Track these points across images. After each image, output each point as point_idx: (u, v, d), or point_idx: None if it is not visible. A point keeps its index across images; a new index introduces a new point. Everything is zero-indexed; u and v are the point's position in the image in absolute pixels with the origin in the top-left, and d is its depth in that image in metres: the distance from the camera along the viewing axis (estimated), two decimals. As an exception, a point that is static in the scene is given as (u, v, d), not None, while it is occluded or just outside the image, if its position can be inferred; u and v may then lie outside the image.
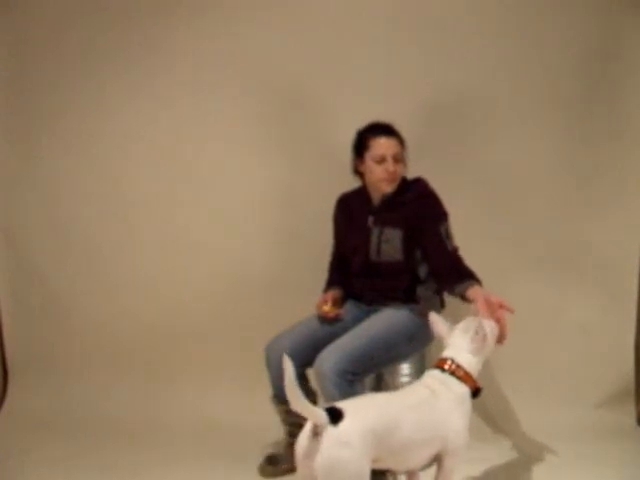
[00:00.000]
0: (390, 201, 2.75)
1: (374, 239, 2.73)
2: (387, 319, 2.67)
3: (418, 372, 2.82)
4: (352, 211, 2.86)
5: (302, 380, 2.73)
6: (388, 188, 2.73)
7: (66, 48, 3.30)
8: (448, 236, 2.67)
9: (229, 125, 3.30)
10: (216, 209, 3.36)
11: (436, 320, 2.38)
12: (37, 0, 3.28)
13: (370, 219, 2.76)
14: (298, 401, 1.92)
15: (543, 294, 3.28)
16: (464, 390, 2.28)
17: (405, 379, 2.80)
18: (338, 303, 2.81)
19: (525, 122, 3.20)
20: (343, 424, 1.94)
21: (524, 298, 3.27)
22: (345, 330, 2.65)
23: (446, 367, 2.26)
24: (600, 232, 3.22)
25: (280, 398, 2.72)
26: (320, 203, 3.00)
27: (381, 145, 2.70)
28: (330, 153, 3.18)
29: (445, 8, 3.15)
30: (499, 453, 2.92)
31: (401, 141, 2.74)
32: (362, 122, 2.76)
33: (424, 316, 2.71)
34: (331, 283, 2.92)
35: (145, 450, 3.01)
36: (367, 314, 2.73)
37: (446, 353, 2.31)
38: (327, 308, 2.74)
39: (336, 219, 2.94)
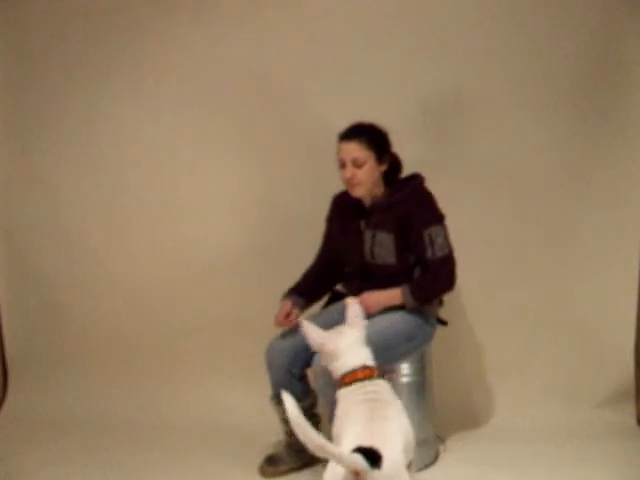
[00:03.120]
0: (380, 203, 2.72)
1: (367, 242, 2.72)
2: (386, 319, 2.66)
3: (418, 372, 2.83)
4: (345, 212, 2.83)
5: (302, 381, 2.74)
6: (355, 193, 2.69)
7: (67, 48, 3.29)
8: (432, 242, 2.62)
9: (228, 127, 3.30)
10: (217, 209, 3.36)
11: (310, 329, 2.27)
12: (38, 2, 3.28)
13: (362, 223, 2.74)
14: (325, 448, 1.78)
15: (543, 294, 3.28)
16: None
17: (405, 379, 2.80)
18: (292, 315, 2.73)
19: (525, 120, 3.19)
20: (387, 462, 1.84)
21: (524, 298, 3.28)
22: None
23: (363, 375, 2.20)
24: (600, 232, 3.22)
25: (280, 398, 2.72)
26: (319, 204, 2.99)
27: (340, 150, 2.67)
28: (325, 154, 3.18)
29: (443, 8, 3.15)
30: (499, 453, 2.92)
31: (368, 143, 2.64)
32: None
33: (423, 315, 2.71)
34: (295, 290, 2.82)
35: (145, 450, 3.01)
36: (366, 314, 2.72)
37: (352, 363, 2.21)
38: (284, 322, 2.72)
39: (330, 219, 2.91)
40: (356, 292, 2.78)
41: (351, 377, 2.18)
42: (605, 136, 3.17)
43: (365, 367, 2.20)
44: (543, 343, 3.28)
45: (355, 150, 2.63)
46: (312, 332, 2.26)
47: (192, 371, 3.39)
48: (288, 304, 2.76)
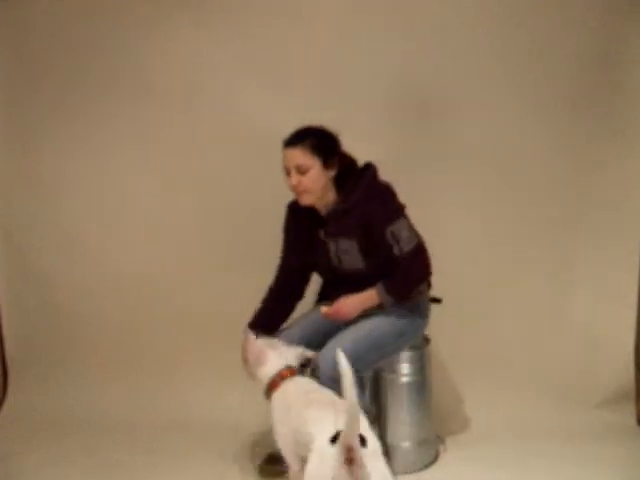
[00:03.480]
0: (335, 211, 2.61)
1: (332, 251, 2.63)
2: (376, 319, 2.64)
3: (418, 372, 2.83)
4: (302, 222, 2.72)
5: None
6: (303, 201, 2.59)
7: (68, 49, 3.29)
8: (397, 239, 2.53)
9: (226, 128, 3.30)
10: (218, 208, 3.36)
11: (249, 336, 2.56)
12: (38, 2, 3.28)
13: (321, 232, 2.65)
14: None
15: (543, 294, 3.28)
16: None
17: (405, 379, 2.80)
18: None
19: (524, 120, 3.19)
20: (370, 443, 2.02)
21: (524, 299, 3.29)
22: (345, 326, 2.66)
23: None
24: (600, 232, 3.22)
25: None
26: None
27: (284, 157, 2.57)
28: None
29: (443, 8, 3.15)
30: (499, 452, 2.92)
31: (312, 148, 2.53)
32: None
33: (412, 308, 2.68)
34: (256, 324, 2.75)
35: (145, 450, 3.01)
36: (344, 320, 2.67)
37: (278, 365, 2.46)
38: None
39: (287, 230, 2.79)
40: (337, 297, 2.68)
41: (279, 377, 2.42)
42: (605, 136, 3.18)
43: (288, 367, 2.44)
44: (543, 343, 3.28)
45: (298, 156, 2.53)
46: (250, 345, 2.52)
47: (192, 371, 3.39)
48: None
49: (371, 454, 2.00)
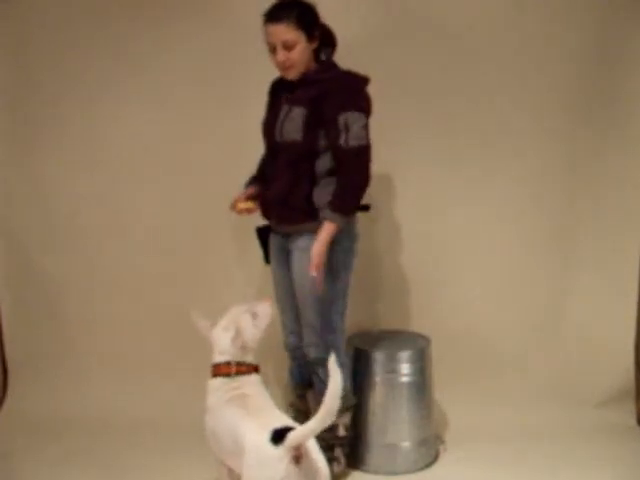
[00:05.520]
0: (306, 78, 2.57)
1: (281, 117, 2.58)
2: (305, 278, 2.58)
3: (418, 372, 2.83)
4: (277, 93, 2.70)
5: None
6: (289, 76, 2.56)
7: (67, 48, 3.28)
8: (348, 127, 2.45)
9: (226, 125, 3.30)
10: (217, 209, 3.35)
11: (197, 320, 2.46)
12: (38, 2, 3.28)
13: (284, 97, 2.62)
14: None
15: (543, 294, 3.28)
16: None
17: (405, 379, 2.80)
18: (252, 199, 2.72)
19: (524, 120, 3.19)
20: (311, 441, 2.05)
21: (524, 298, 3.29)
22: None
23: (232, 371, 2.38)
24: (600, 232, 3.22)
25: (297, 382, 2.85)
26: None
27: (269, 34, 2.51)
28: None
29: (443, 8, 3.15)
30: (499, 452, 2.93)
31: (297, 22, 2.48)
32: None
33: (338, 247, 2.59)
34: (254, 179, 2.79)
35: (144, 450, 3.02)
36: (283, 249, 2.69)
37: (219, 359, 2.42)
38: (241, 205, 2.67)
39: (267, 105, 2.77)
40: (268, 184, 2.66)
41: (217, 370, 2.39)
42: (605, 135, 3.18)
43: (228, 363, 2.37)
44: (543, 343, 3.28)
45: (284, 32, 2.47)
46: (199, 322, 2.47)
47: (192, 371, 3.38)
48: (248, 190, 2.73)
49: (313, 447, 2.03)
